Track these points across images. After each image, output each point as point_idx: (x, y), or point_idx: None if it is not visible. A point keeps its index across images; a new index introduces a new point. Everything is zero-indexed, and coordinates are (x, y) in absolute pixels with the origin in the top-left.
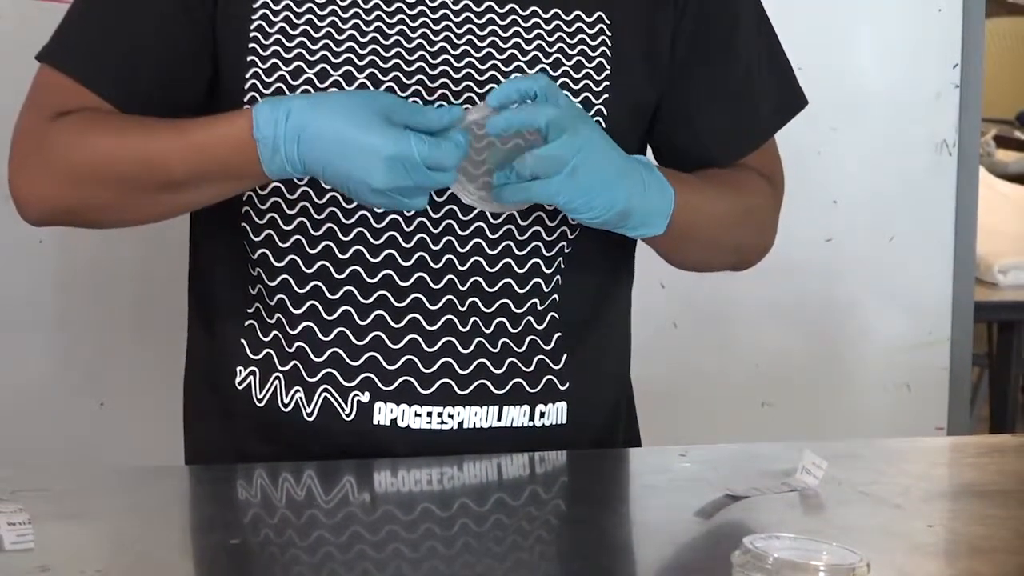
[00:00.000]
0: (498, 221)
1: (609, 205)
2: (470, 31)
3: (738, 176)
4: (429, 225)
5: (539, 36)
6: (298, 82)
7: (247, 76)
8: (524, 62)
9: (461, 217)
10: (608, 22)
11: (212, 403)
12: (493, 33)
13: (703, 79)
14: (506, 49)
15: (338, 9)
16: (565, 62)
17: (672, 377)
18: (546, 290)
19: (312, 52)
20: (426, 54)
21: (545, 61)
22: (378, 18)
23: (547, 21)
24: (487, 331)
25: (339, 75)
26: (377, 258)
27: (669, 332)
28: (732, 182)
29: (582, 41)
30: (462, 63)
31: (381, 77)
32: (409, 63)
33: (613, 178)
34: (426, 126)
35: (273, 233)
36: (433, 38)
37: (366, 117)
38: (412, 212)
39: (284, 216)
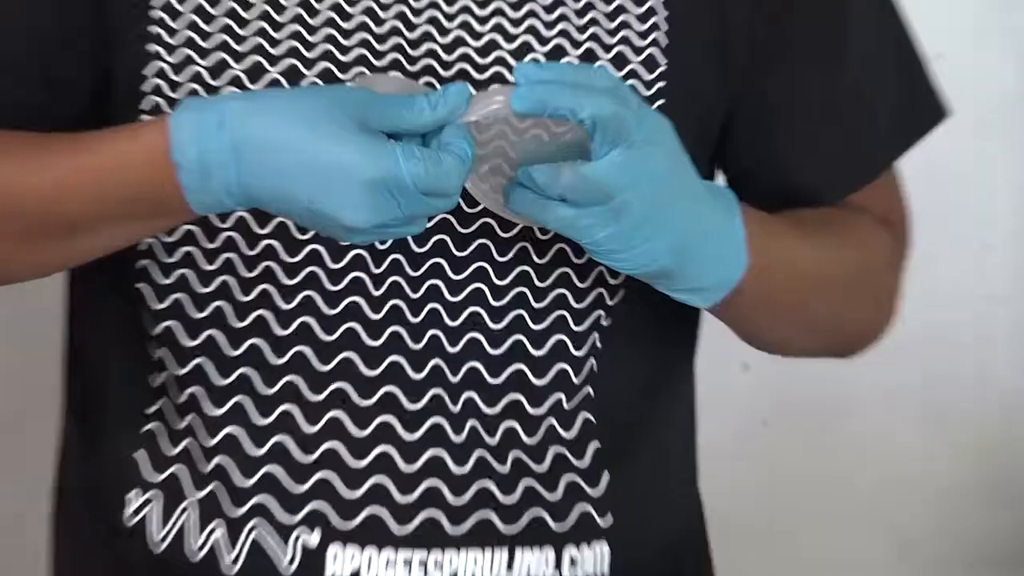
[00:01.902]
0: (504, 281)
1: (649, 258)
2: (466, 9)
3: (844, 220)
4: (406, 287)
5: (563, 18)
6: (220, 81)
7: (147, 72)
8: (542, 53)
9: (452, 275)
10: (663, 2)
11: (91, 541)
12: (499, 13)
13: (794, 82)
14: (516, 36)
15: None
16: (601, 54)
17: (761, 500)
18: (576, 380)
19: (240, 40)
20: (403, 42)
21: (573, 52)
22: None
23: None
24: (491, 441)
25: (279, 71)
26: (332, 334)
27: (756, 434)
28: (835, 229)
29: (625, 26)
30: (453, 54)
31: (339, 74)
32: (378, 54)
33: (671, 221)
34: (414, 126)
35: (184, 298)
36: (413, 19)
37: (333, 123)
38: (382, 267)
39: (201, 273)
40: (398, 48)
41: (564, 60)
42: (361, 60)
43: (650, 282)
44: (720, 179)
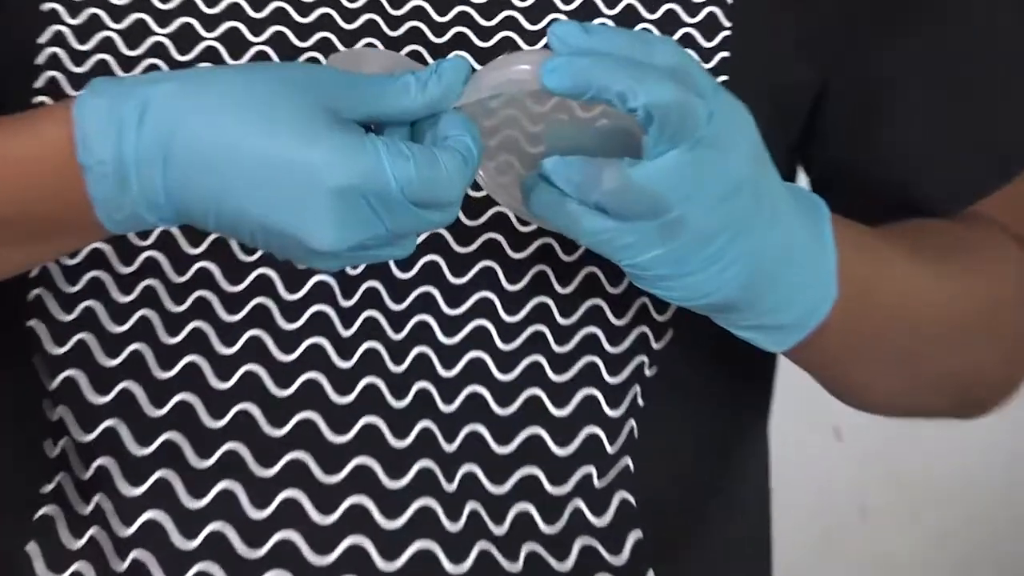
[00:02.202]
0: (515, 317)
1: (710, 288)
2: None
3: (968, 238)
4: (386, 326)
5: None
6: (138, 50)
7: (42, 40)
8: (566, 12)
9: (446, 310)
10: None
11: None
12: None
13: (910, 52)
14: None
15: None
16: (644, 12)
17: None
18: (610, 449)
19: None
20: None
21: (607, 12)
22: None
23: None
24: (497, 530)
25: (215, 36)
26: (288, 388)
27: (852, 526)
28: (957, 251)
29: None
30: (448, 15)
31: (296, 41)
32: (348, 13)
33: (742, 241)
34: (400, 113)
35: (91, 340)
36: None
37: (292, 112)
38: (353, 299)
39: (114, 308)
40: (374, 6)
41: (598, 22)
42: (325, 22)
43: (710, 316)
44: (802, 179)
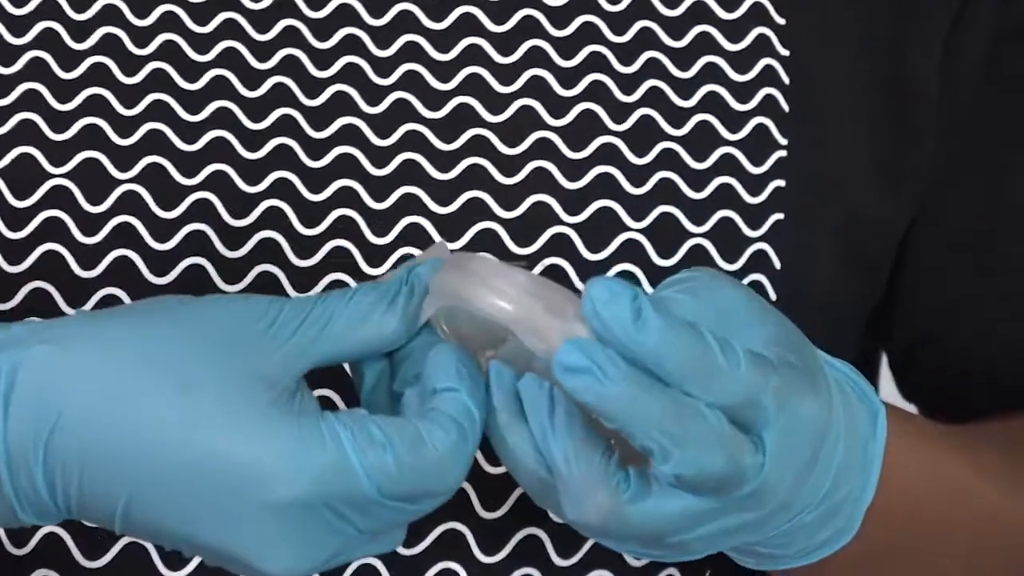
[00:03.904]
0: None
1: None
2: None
3: None
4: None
5: (599, 50)
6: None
7: None
8: (557, 102)
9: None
10: (781, 23)
11: None
12: (472, 58)
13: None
14: (507, 99)
15: None
16: (665, 126)
17: None
18: None
19: None
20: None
21: (613, 125)
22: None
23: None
24: None
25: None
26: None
27: None
28: None
29: (714, 74)
30: (385, 104)
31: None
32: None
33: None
34: (364, 352)
35: None
36: (317, 44)
37: (218, 387)
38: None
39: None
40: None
41: (598, 142)
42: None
43: None
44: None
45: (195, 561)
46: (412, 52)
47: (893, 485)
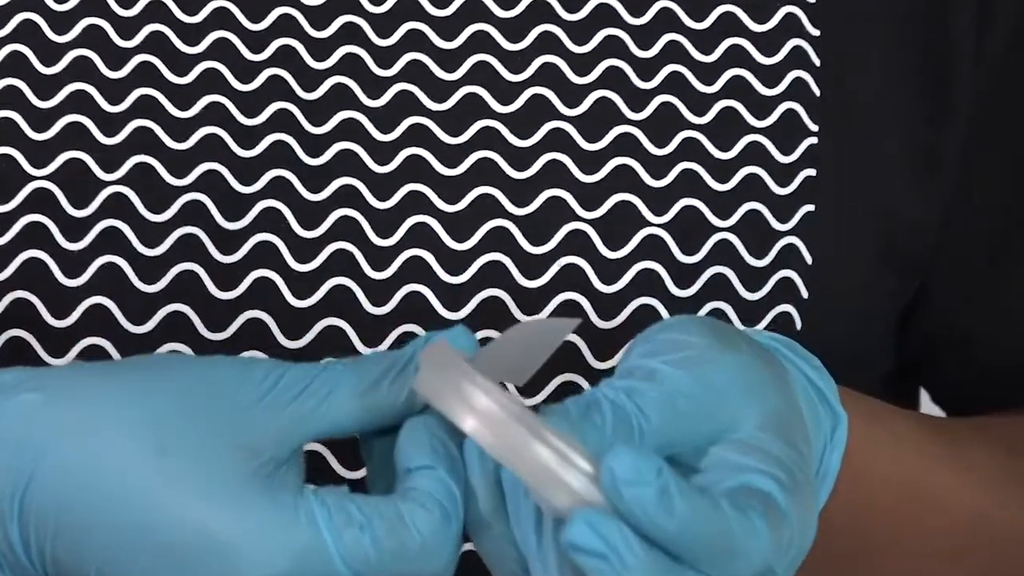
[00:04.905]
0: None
1: None
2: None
3: None
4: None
5: (615, 33)
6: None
7: None
8: (571, 90)
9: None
10: (811, 0)
11: None
12: (478, 45)
13: None
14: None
15: None
16: (688, 113)
17: None
18: None
19: None
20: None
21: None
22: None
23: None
24: None
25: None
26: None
27: None
28: None
29: (739, 57)
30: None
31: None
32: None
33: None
34: (361, 429)
35: None
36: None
37: (190, 454)
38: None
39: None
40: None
41: (615, 132)
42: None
43: None
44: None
45: None
46: (415, 40)
47: (849, 492)
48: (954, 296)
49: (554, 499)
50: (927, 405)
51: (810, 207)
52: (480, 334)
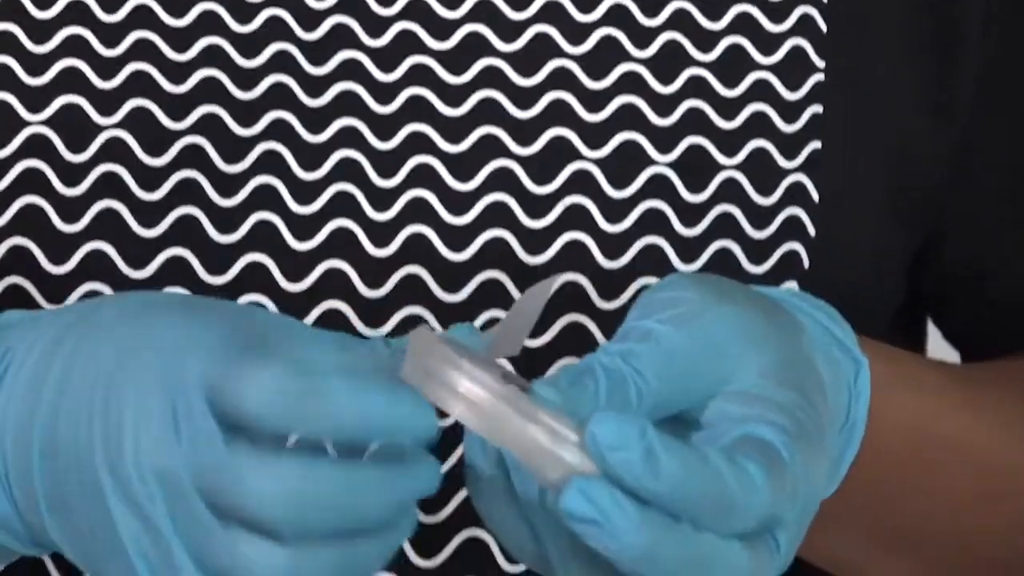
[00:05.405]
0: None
1: None
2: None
3: None
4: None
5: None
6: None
7: None
8: (574, 28)
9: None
10: None
11: None
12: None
13: None
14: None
15: None
16: (693, 51)
17: None
18: None
19: None
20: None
21: (648, 20)
22: None
23: None
24: None
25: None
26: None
27: None
28: None
29: None
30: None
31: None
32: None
33: None
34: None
35: None
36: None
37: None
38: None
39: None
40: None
41: (619, 70)
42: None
43: None
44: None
45: None
46: None
47: (872, 438)
48: (969, 234)
49: (548, 474)
50: (932, 351)
51: (817, 144)
52: (482, 275)
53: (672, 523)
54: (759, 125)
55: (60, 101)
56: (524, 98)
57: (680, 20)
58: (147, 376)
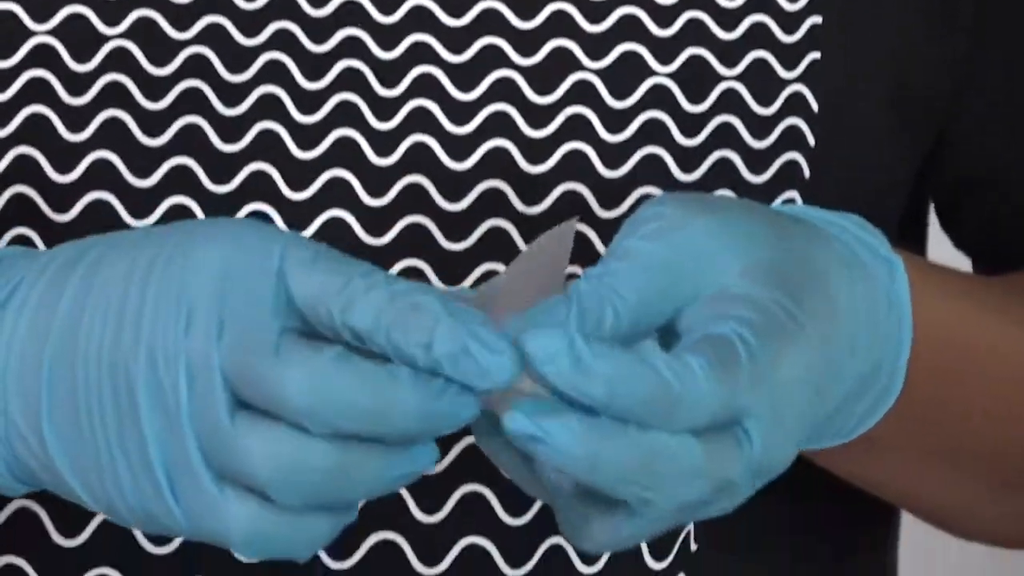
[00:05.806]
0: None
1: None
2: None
3: None
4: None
5: None
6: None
7: None
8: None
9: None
10: None
11: None
12: None
13: None
14: None
15: None
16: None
17: None
18: None
19: None
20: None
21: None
22: None
23: None
24: None
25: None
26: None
27: None
28: None
29: None
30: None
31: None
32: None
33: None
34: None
35: None
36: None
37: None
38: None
39: None
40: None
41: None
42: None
43: None
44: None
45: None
46: None
47: (920, 338)
48: (977, 140)
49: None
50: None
51: (816, 55)
52: (483, 184)
53: (618, 428)
54: (759, 36)
55: (65, 11)
56: (526, 9)
57: None
58: (204, 268)
